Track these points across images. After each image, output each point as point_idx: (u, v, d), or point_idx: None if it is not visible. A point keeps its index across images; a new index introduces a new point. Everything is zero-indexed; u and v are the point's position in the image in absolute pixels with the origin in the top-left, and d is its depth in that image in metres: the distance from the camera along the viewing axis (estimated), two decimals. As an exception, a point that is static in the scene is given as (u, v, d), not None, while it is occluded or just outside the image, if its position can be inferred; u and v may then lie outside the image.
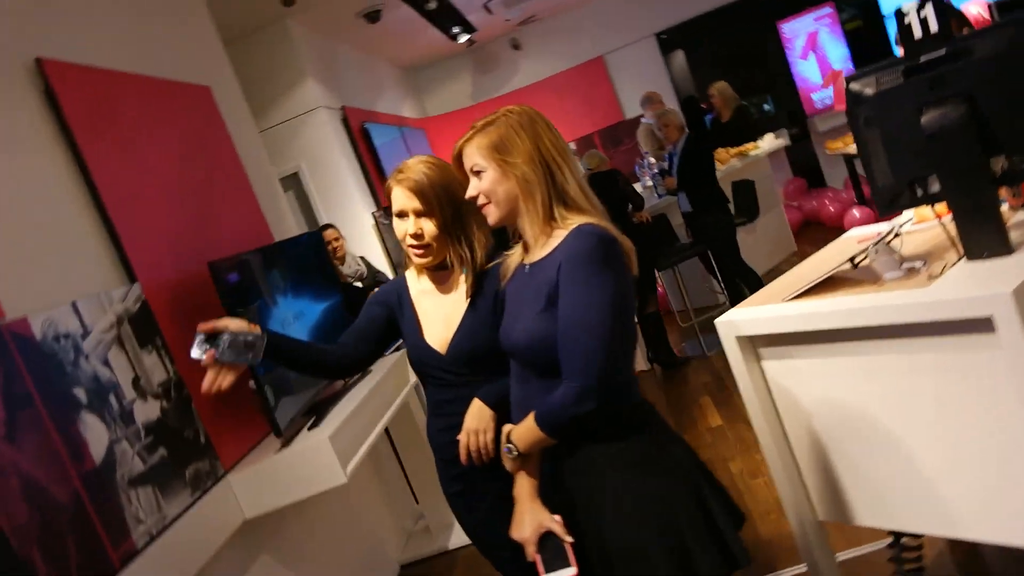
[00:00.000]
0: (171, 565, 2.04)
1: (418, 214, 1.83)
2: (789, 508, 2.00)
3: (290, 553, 2.78)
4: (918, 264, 1.70)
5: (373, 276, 4.87)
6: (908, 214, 2.10)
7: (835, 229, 7.38)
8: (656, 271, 5.40)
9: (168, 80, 2.99)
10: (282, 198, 3.99)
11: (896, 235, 1.81)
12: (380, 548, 3.57)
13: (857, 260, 1.73)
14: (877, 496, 1.84)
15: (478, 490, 1.87)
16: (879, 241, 1.76)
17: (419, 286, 1.97)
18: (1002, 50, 1.54)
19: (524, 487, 1.54)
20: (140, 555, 1.93)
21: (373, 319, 1.97)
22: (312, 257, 3.08)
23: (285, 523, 2.77)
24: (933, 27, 1.64)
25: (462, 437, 1.80)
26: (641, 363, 5.33)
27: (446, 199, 1.81)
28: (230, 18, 4.30)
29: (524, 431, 1.50)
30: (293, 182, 5.39)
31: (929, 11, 1.62)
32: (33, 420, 1.77)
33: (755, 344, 1.93)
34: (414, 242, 1.85)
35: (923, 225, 2.03)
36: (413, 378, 3.58)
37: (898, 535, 1.97)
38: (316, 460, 2.44)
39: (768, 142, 7.10)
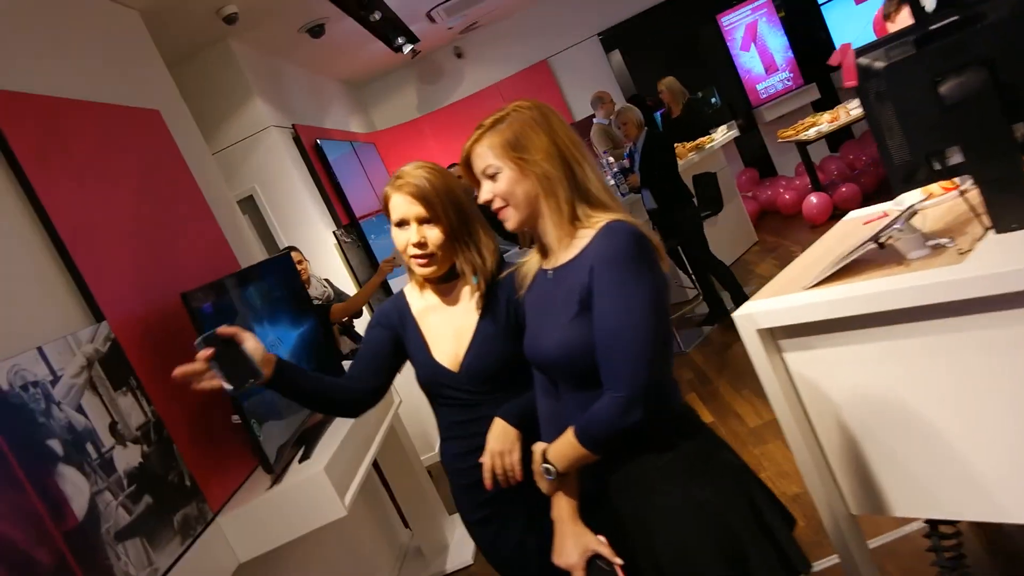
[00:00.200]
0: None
1: (421, 221, 1.70)
2: (821, 504, 1.91)
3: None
4: (945, 241, 1.64)
5: (339, 299, 4.69)
6: (912, 194, 2.05)
7: (792, 217, 7.45)
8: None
9: (116, 105, 2.82)
10: (243, 222, 3.82)
11: (914, 212, 1.75)
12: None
13: (882, 239, 1.66)
14: (915, 485, 1.76)
15: (507, 515, 1.74)
16: (899, 218, 1.69)
17: (422, 301, 1.83)
18: (1019, 11, 1.49)
19: (564, 508, 1.42)
20: (135, 616, 1.78)
21: (379, 344, 1.81)
22: (285, 281, 2.93)
23: (281, 561, 2.61)
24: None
25: (486, 460, 1.66)
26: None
27: (450, 204, 1.69)
28: (171, 39, 4.11)
29: (563, 448, 1.39)
30: (248, 205, 5.18)
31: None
32: (7, 477, 1.61)
33: (775, 336, 1.85)
34: (417, 252, 1.71)
35: (932, 201, 1.97)
36: (397, 399, 3.44)
37: (934, 523, 1.91)
38: (313, 494, 2.30)
39: (722, 134, 7.12)
